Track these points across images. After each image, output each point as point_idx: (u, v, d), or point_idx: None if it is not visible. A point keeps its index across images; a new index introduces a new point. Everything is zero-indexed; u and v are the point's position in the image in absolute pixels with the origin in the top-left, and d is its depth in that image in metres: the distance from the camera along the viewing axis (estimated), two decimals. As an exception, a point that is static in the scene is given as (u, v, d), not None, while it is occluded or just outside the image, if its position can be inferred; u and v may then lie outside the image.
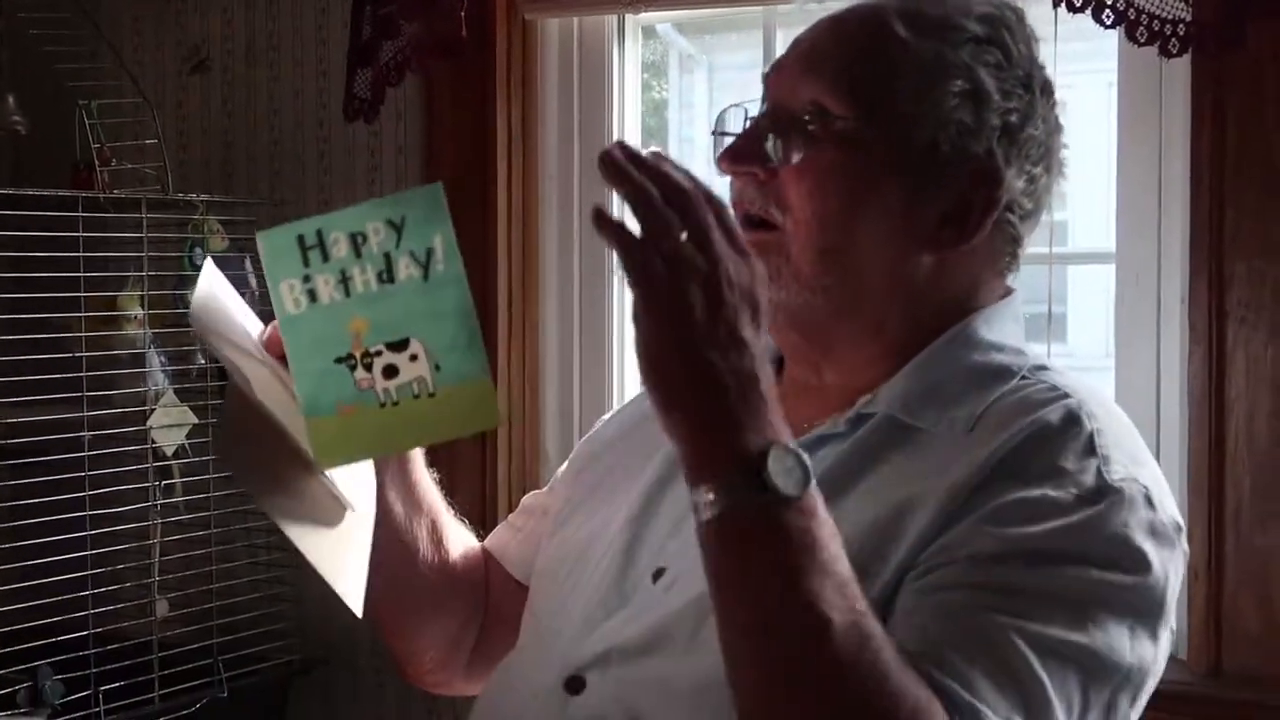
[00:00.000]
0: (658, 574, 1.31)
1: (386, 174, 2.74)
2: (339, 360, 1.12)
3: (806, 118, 1.27)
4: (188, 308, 2.55)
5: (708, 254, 1.06)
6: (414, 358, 1.12)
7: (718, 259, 1.07)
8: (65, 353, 2.44)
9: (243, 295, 2.57)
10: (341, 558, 1.21)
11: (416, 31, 2.42)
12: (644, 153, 1.09)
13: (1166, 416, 2.17)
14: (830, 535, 1.08)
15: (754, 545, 1.07)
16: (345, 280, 1.11)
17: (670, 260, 1.06)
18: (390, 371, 1.13)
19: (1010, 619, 1.12)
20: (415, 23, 2.42)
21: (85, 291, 2.45)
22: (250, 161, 2.89)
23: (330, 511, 1.20)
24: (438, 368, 1.12)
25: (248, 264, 2.64)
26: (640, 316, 1.08)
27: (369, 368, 1.12)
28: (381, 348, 1.12)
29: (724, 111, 1.37)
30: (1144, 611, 1.17)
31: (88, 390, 2.44)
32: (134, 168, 2.65)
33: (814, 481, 1.07)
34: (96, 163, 2.58)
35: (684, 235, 1.06)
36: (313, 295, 1.11)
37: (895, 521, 1.19)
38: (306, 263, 1.11)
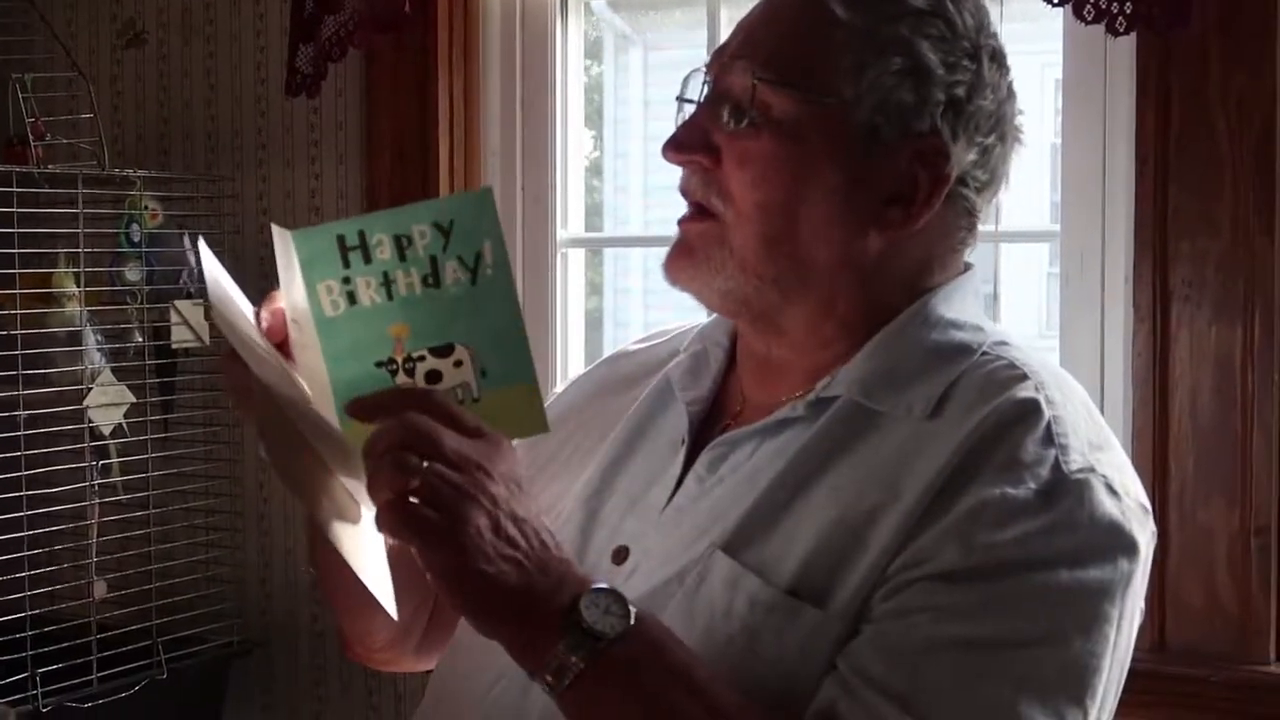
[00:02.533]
0: (617, 553, 1.31)
1: (326, 150, 2.71)
2: (379, 364, 1.10)
3: (744, 105, 1.26)
4: (125, 285, 2.56)
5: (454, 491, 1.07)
6: (459, 363, 1.10)
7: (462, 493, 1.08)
8: (-1, 331, 2.40)
9: (181, 272, 2.57)
10: (370, 557, 1.18)
11: (359, 6, 2.40)
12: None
13: (1111, 395, 2.18)
14: (671, 650, 1.13)
15: (604, 704, 1.11)
16: (388, 283, 1.08)
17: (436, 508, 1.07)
18: (433, 377, 1.10)
19: (987, 654, 1.13)
20: (357, -3, 2.40)
21: (19, 269, 2.41)
22: (187, 137, 2.85)
23: (350, 510, 1.18)
24: (484, 373, 1.10)
25: (186, 240, 2.61)
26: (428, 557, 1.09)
27: (410, 372, 1.10)
28: (425, 353, 1.09)
29: (688, 75, 1.36)
30: (1117, 599, 1.18)
31: (22, 369, 2.40)
32: (69, 143, 2.62)
33: (632, 609, 1.11)
34: (30, 137, 2.53)
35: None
36: (352, 298, 1.08)
37: (860, 527, 1.19)
38: (347, 264, 1.07)
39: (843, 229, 1.28)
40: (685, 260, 1.31)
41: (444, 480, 1.06)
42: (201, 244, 1.27)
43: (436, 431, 1.07)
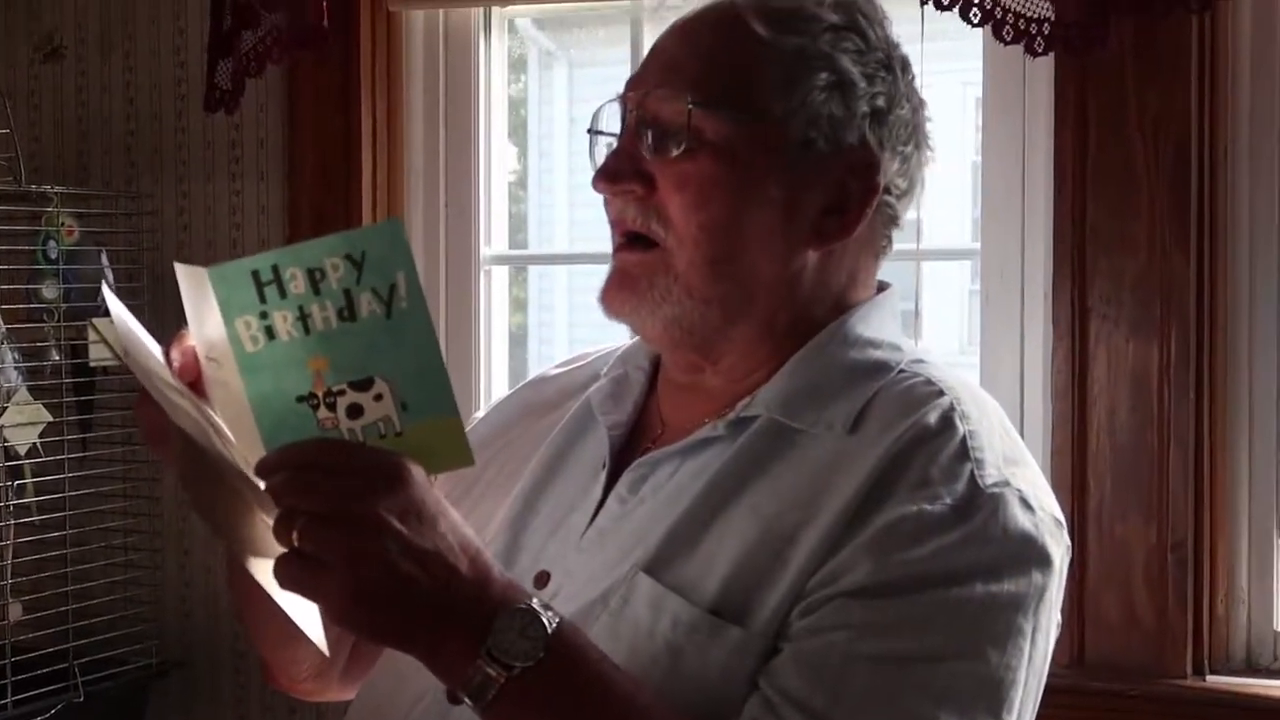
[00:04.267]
0: (539, 578, 1.30)
1: (248, 167, 2.69)
2: (300, 399, 1.08)
3: (678, 130, 1.26)
4: (42, 302, 2.53)
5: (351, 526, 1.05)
6: (379, 397, 1.08)
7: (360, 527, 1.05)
8: (-88, 349, 2.37)
9: (99, 290, 2.53)
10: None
11: (278, 21, 2.38)
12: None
13: (1030, 411, 2.21)
14: (593, 662, 1.12)
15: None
16: (304, 317, 1.06)
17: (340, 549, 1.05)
18: (355, 411, 1.08)
19: (905, 669, 1.14)
20: (277, 12, 2.38)
21: (-67, 286, 2.38)
22: (105, 153, 2.82)
23: (274, 547, 1.16)
24: (404, 406, 1.08)
25: (104, 258, 2.58)
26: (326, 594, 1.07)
27: (332, 407, 1.08)
28: (345, 387, 1.08)
29: (599, 109, 1.36)
30: (1030, 612, 1.18)
31: (-64, 388, 2.37)
32: (-16, 158, 2.58)
33: (549, 629, 1.09)
34: (-55, 153, 2.50)
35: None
36: (270, 333, 1.06)
37: (781, 545, 1.19)
38: (263, 299, 1.05)
39: (784, 244, 1.29)
40: (627, 291, 1.30)
41: (322, 535, 1.04)
42: (107, 290, 1.25)
43: (314, 486, 1.05)
